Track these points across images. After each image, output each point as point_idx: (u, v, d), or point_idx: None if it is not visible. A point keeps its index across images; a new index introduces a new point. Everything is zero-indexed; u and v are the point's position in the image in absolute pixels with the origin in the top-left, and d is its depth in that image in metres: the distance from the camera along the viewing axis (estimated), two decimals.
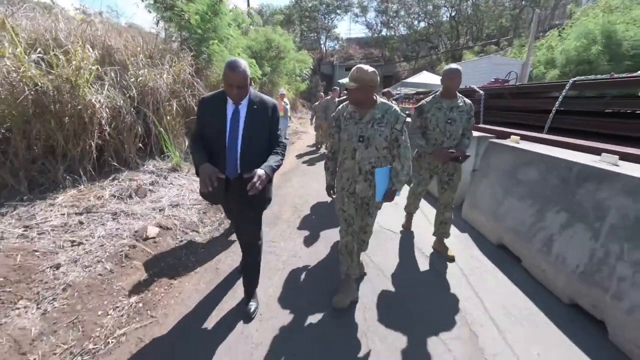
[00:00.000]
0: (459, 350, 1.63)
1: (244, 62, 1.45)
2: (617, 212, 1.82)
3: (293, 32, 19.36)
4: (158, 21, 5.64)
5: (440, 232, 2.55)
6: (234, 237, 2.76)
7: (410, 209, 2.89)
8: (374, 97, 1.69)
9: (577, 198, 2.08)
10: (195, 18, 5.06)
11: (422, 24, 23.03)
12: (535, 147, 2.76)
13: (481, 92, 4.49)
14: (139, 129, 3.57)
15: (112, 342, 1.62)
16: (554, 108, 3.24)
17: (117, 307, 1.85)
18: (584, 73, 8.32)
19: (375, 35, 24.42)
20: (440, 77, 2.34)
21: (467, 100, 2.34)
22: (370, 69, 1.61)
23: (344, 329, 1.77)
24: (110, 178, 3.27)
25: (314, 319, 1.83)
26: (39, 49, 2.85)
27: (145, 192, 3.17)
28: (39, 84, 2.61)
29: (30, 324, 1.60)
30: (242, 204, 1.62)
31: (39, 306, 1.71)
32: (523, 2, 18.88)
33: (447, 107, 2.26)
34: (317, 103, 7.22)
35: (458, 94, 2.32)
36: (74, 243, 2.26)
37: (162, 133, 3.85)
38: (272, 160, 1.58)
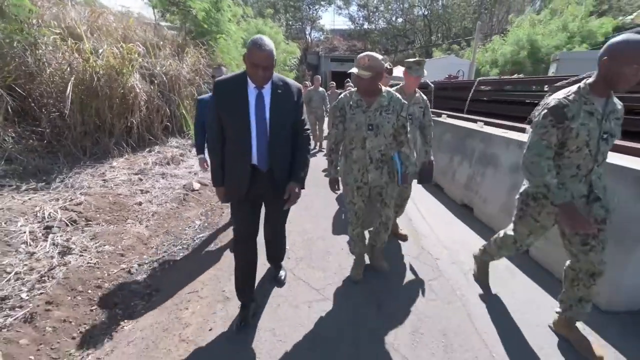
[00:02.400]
0: (410, 243, 2.71)
1: (269, 40, 1.31)
2: (477, 151, 3.18)
3: (279, 21, 19.66)
4: (163, 14, 6.17)
5: (575, 314, 1.49)
6: None
7: (490, 257, 1.88)
8: (380, 85, 1.66)
9: (464, 146, 3.45)
10: (201, 14, 5.71)
11: (400, 20, 24.30)
12: (452, 121, 4.11)
13: (432, 85, 5.73)
14: (167, 110, 4.32)
15: (194, 242, 2.54)
16: (468, 98, 4.50)
17: (190, 226, 2.76)
18: (515, 71, 10.39)
19: (358, 28, 25.36)
20: (604, 56, 1.17)
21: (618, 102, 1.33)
22: (379, 56, 1.57)
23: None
24: (147, 150, 4.03)
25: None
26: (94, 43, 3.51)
27: (179, 161, 3.99)
28: (100, 72, 3.31)
29: (141, 231, 2.47)
30: (271, 195, 1.53)
31: (141, 223, 2.59)
32: (481, 10, 20.82)
33: (602, 112, 1.24)
34: None
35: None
36: (143, 191, 3.10)
37: (184, 114, 4.60)
38: (299, 165, 1.51)
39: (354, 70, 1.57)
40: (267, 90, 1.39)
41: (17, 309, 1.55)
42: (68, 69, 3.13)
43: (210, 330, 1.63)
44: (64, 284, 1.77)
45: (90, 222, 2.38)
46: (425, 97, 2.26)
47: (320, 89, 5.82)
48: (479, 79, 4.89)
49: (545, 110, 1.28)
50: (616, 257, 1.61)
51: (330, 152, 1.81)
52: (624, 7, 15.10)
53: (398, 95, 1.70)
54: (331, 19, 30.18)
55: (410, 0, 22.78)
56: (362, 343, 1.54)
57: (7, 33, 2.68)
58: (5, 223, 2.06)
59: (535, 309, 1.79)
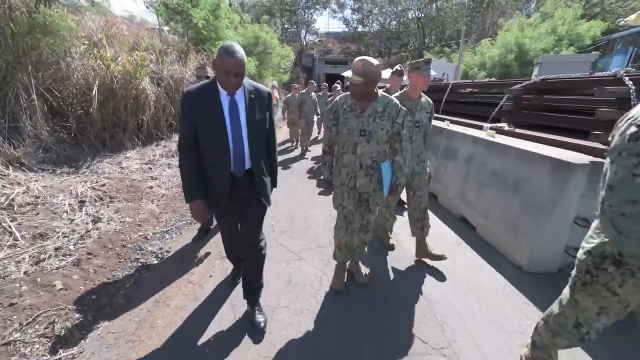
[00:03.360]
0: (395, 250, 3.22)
1: (240, 47, 1.31)
2: (442, 146, 3.70)
3: (274, 25, 20.20)
4: (167, 22, 6.71)
5: None
6: None
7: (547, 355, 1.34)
8: (375, 90, 1.61)
9: (434, 143, 3.87)
10: (202, 22, 6.26)
11: (394, 23, 24.89)
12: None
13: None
14: (172, 109, 4.85)
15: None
16: (443, 99, 5.02)
17: None
18: (502, 75, 10.92)
19: (352, 31, 25.95)
20: None
21: None
22: (375, 61, 1.51)
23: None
24: (155, 144, 4.57)
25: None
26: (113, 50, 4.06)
27: None
28: (118, 76, 3.85)
29: (153, 208, 3.01)
30: (249, 200, 1.53)
31: (152, 202, 3.12)
32: (473, 14, 21.43)
33: None
34: (289, 95, 6.14)
35: None
36: (153, 177, 3.63)
37: None
38: (274, 169, 1.64)
39: (348, 74, 1.81)
40: (239, 96, 1.39)
41: (67, 256, 2.08)
42: (92, 73, 3.67)
43: (210, 276, 2.16)
44: (98, 242, 2.30)
45: (113, 200, 2.92)
46: (431, 101, 2.13)
47: (313, 94, 5.72)
48: (453, 82, 5.43)
49: (636, 129, 0.83)
50: (534, 227, 2.12)
51: (324, 153, 1.80)
52: (617, 9, 15.40)
53: (395, 101, 1.63)
54: (326, 22, 30.84)
55: (403, 3, 23.44)
56: (324, 285, 2.09)
57: (50, 46, 3.22)
58: (49, 197, 2.59)
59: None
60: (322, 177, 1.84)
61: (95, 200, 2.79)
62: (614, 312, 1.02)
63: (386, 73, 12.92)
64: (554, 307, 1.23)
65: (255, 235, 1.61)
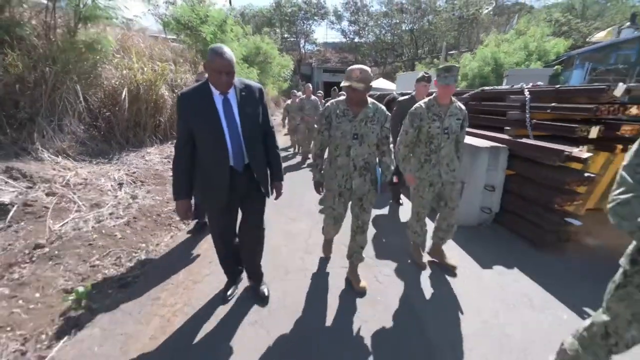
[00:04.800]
0: None
1: (228, 48, 1.38)
2: None
3: (275, 35, 21.20)
4: (177, 35, 7.50)
5: None
6: None
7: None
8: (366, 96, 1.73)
9: None
10: (210, 36, 7.05)
11: (388, 35, 26.21)
12: None
13: (396, 95, 7.08)
14: None
15: None
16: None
17: None
18: (481, 85, 12.02)
19: (349, 41, 27.20)
20: None
21: None
22: (369, 69, 1.64)
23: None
24: (170, 142, 5.26)
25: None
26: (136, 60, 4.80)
27: None
28: (141, 83, 4.58)
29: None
30: (249, 194, 1.60)
31: None
32: (461, 29, 22.85)
33: None
34: (289, 102, 6.23)
35: None
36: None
37: None
38: (276, 163, 1.69)
39: (346, 82, 1.62)
40: (231, 94, 1.46)
41: (119, 219, 2.76)
42: (122, 81, 4.40)
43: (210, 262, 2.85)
44: (138, 211, 2.98)
45: (143, 183, 3.60)
46: (464, 108, 2.04)
47: (313, 97, 5.72)
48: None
49: None
50: (469, 192, 2.86)
51: (316, 157, 1.89)
52: (582, 28, 16.99)
53: (382, 107, 1.76)
54: (324, 33, 32.02)
55: (397, 17, 24.84)
56: (313, 235, 2.80)
57: (95, 60, 3.95)
58: (95, 179, 3.27)
59: None
60: (313, 180, 1.92)
61: (130, 183, 3.47)
62: None
63: (379, 82, 13.86)
64: (585, 323, 1.16)
65: (257, 222, 1.76)
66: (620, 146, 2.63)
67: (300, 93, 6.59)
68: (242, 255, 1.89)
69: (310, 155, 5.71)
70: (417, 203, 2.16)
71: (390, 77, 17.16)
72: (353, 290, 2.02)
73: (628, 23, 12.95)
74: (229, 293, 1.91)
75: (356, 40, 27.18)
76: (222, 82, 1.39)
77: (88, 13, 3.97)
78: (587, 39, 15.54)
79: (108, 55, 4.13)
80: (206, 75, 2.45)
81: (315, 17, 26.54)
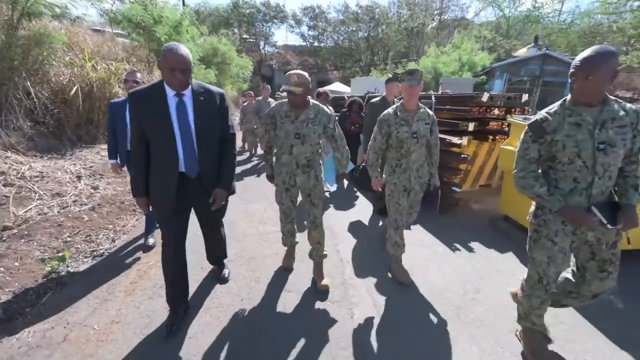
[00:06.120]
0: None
1: (184, 46, 1.35)
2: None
3: (233, 35, 21.00)
4: (129, 34, 7.40)
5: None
6: None
7: (526, 317, 1.50)
8: (308, 98, 1.83)
9: None
10: (164, 37, 7.13)
11: (346, 41, 27.77)
12: None
13: (347, 98, 7.98)
14: None
15: None
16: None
17: None
18: (424, 90, 13.87)
19: (309, 45, 28.10)
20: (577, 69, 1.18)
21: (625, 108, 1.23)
22: (305, 73, 1.77)
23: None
24: None
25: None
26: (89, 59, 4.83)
27: None
28: (95, 81, 4.64)
29: None
30: (203, 201, 1.56)
31: None
32: (409, 39, 25.49)
33: (594, 122, 1.21)
34: (246, 103, 6.09)
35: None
36: None
37: None
38: (226, 171, 1.60)
39: (285, 87, 1.70)
40: (188, 97, 1.41)
41: (83, 205, 3.00)
42: (73, 79, 4.44)
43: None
44: (102, 199, 3.23)
45: (102, 176, 3.79)
46: (432, 113, 2.09)
47: (270, 99, 5.69)
48: (368, 95, 7.14)
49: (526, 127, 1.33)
50: None
51: (266, 154, 2.06)
52: (504, 45, 20.06)
53: (325, 109, 1.88)
54: (284, 35, 32.61)
55: (354, 25, 26.53)
56: (268, 210, 3.37)
57: (44, 57, 3.96)
58: (51, 172, 3.40)
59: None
60: (265, 174, 2.12)
61: (89, 176, 3.65)
62: (557, 260, 1.32)
63: (336, 86, 14.91)
64: (521, 279, 1.51)
65: (214, 229, 1.90)
66: (491, 137, 3.63)
67: (251, 93, 6.48)
68: (204, 242, 1.99)
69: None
70: (393, 210, 2.13)
71: (348, 81, 18.36)
72: (316, 289, 2.04)
73: (532, 44, 15.80)
74: (173, 326, 1.61)
75: (316, 44, 28.22)
76: (177, 79, 1.33)
77: (32, 9, 4.00)
78: (513, 54, 18.04)
79: (57, 52, 4.17)
80: (138, 75, 2.42)
81: (275, 20, 26.89)
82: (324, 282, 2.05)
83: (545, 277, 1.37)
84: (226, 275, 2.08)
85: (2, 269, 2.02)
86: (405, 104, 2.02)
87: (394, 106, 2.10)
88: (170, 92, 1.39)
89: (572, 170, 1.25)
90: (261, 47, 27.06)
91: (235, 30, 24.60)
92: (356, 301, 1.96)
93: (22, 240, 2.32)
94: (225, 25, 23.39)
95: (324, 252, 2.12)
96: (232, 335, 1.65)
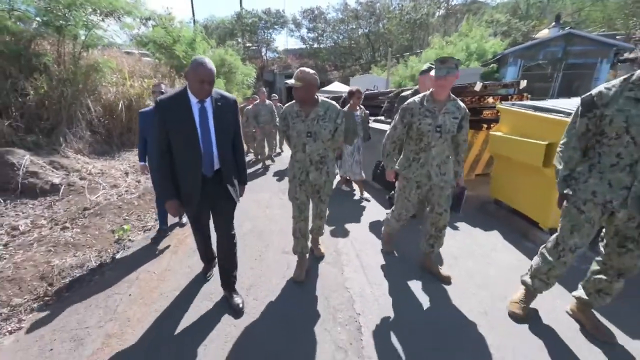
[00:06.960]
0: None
1: (210, 60, 1.50)
2: (377, 143, 5.61)
3: (237, 45, 21.99)
4: (153, 54, 8.45)
5: (592, 301, 1.53)
6: None
7: (536, 279, 1.58)
8: (316, 96, 1.86)
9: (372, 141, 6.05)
10: (182, 53, 8.12)
11: (346, 40, 27.92)
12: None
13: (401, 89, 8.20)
14: None
15: None
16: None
17: None
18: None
19: (308, 47, 28.54)
20: None
21: None
22: (311, 70, 1.81)
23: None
24: None
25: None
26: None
27: None
28: (133, 96, 5.65)
29: None
30: (219, 197, 1.69)
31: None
32: (413, 32, 24.87)
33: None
34: (248, 107, 6.02)
35: None
36: None
37: None
38: (242, 168, 1.84)
39: (289, 82, 1.77)
40: (208, 104, 1.56)
41: (132, 194, 3.89)
42: (119, 95, 5.49)
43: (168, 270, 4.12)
44: (145, 190, 4.11)
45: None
46: (464, 106, 1.87)
47: (268, 101, 5.60)
48: (365, 92, 7.66)
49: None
50: (372, 161, 4.33)
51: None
52: (521, 27, 17.61)
53: (335, 105, 1.89)
54: (285, 40, 33.07)
55: (354, 23, 26.50)
56: (273, 198, 4.13)
57: (98, 79, 5.00)
58: (107, 170, 4.34)
59: None
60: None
61: (133, 173, 4.58)
62: (582, 230, 1.33)
63: (335, 86, 15.21)
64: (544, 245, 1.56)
65: (227, 229, 1.83)
66: (485, 125, 3.55)
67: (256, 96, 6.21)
68: (218, 266, 1.99)
69: (263, 161, 5.86)
70: (400, 205, 2.09)
71: (348, 80, 18.44)
72: (314, 256, 2.45)
73: (554, 23, 13.20)
74: (207, 275, 2.24)
75: (315, 46, 28.52)
76: (204, 90, 1.48)
77: (89, 42, 5.01)
78: (532, 36, 15.68)
79: (106, 75, 5.19)
80: (163, 86, 2.76)
81: (275, 26, 27.71)
82: (322, 250, 2.47)
83: (563, 243, 1.40)
84: (240, 306, 1.87)
85: (89, 235, 2.90)
86: (434, 94, 1.87)
87: (422, 94, 1.95)
88: (193, 100, 1.53)
89: (617, 146, 1.23)
90: (263, 54, 27.89)
91: (239, 40, 25.54)
92: (346, 262, 2.42)
93: (97, 217, 3.20)
94: (230, 36, 24.37)
95: (322, 231, 2.40)
96: (247, 282, 2.20)
